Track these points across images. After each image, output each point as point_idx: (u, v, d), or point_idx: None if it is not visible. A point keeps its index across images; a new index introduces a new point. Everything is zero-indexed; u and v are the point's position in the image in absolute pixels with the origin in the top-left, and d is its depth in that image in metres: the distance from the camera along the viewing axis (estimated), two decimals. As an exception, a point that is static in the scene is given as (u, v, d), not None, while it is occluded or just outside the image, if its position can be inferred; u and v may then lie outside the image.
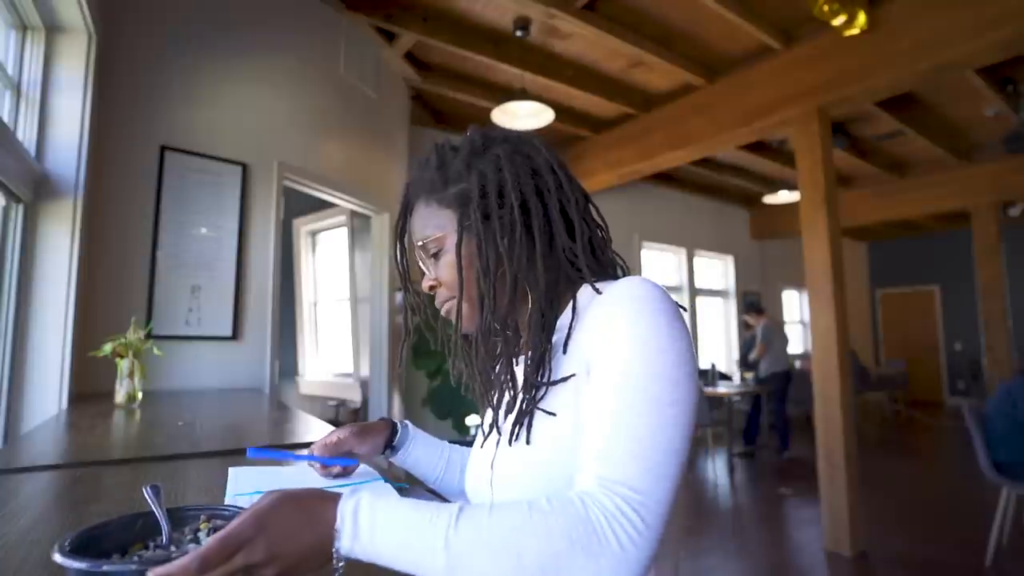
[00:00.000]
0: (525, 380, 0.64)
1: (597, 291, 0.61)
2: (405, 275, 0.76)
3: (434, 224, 0.68)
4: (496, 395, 0.69)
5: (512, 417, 0.65)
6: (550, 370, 0.63)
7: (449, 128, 4.75)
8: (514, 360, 0.68)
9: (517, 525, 0.47)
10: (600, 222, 0.72)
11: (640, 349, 0.54)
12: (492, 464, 0.68)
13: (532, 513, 0.48)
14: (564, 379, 0.61)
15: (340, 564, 0.47)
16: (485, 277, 0.64)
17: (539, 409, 0.63)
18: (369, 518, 0.48)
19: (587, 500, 0.49)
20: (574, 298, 0.65)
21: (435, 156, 0.70)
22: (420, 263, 0.72)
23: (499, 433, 0.68)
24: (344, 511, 0.48)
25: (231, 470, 0.84)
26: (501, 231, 0.64)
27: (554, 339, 0.65)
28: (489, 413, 0.72)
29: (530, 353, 0.64)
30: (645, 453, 0.51)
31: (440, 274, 0.69)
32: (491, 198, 0.65)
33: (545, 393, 0.63)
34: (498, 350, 0.68)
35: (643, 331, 0.55)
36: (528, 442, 0.62)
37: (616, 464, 0.51)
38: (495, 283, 0.64)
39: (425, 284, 0.71)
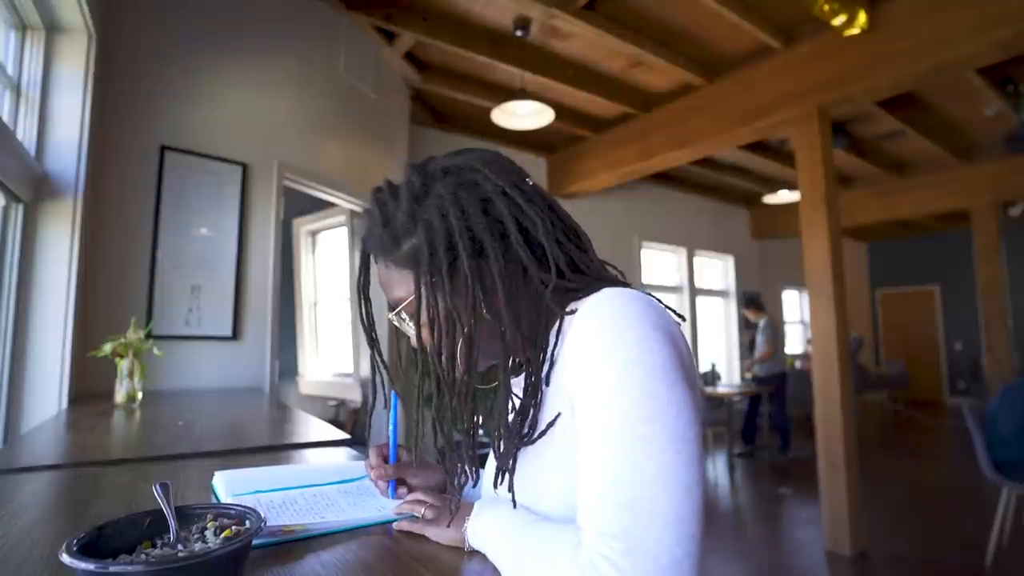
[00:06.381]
0: (500, 437, 0.59)
1: (572, 312, 0.56)
2: (371, 331, 0.73)
3: (398, 288, 0.63)
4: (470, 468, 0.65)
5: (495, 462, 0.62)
6: (532, 419, 0.58)
7: (449, 128, 4.75)
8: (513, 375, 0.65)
9: (532, 556, 0.52)
10: (575, 230, 0.65)
11: (605, 370, 0.49)
12: (495, 484, 0.67)
13: (543, 546, 0.51)
14: (550, 425, 0.57)
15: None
16: (439, 350, 0.59)
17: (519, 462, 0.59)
18: (485, 516, 0.60)
19: (579, 549, 0.46)
20: (560, 322, 0.59)
21: (377, 211, 0.63)
22: (401, 325, 0.67)
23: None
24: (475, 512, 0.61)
25: (216, 474, 0.82)
26: (453, 290, 0.58)
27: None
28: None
29: (510, 406, 0.59)
30: (614, 488, 0.45)
31: (420, 336, 0.63)
32: (440, 254, 0.58)
33: (527, 441, 0.59)
34: (468, 420, 0.63)
35: (608, 349, 0.50)
36: (510, 490, 0.59)
37: (589, 508, 0.46)
38: (455, 347, 0.59)
39: (414, 343, 0.66)
